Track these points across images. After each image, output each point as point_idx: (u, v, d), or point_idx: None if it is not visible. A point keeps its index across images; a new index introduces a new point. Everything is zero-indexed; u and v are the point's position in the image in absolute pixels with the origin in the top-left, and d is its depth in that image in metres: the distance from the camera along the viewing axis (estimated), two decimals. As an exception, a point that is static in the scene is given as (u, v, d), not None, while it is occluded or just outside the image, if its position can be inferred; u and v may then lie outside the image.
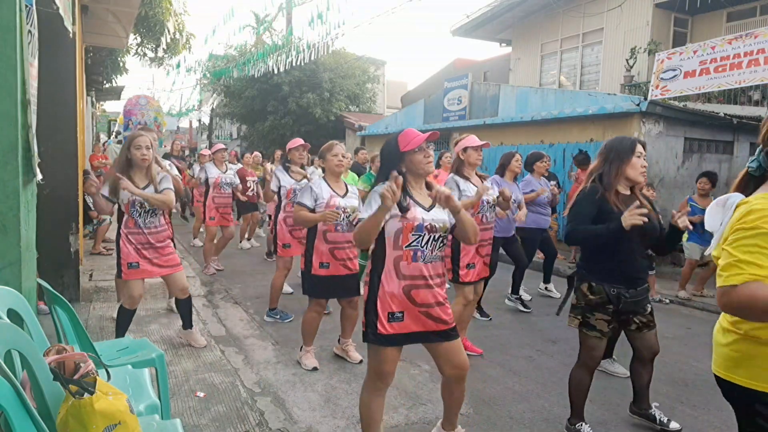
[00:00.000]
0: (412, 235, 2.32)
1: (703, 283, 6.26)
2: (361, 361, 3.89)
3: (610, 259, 2.77)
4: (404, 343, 2.41)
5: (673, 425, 3.02)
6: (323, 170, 3.93)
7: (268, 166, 5.47)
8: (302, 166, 5.08)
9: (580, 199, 2.82)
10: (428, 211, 2.38)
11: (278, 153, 9.33)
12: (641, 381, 3.09)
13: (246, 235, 9.01)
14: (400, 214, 2.32)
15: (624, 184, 2.82)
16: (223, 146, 7.33)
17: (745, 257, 1.43)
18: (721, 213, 1.60)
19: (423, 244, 2.34)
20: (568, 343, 4.57)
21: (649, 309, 2.93)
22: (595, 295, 2.80)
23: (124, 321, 3.75)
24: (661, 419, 3.06)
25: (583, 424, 2.97)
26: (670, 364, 4.15)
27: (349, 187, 3.85)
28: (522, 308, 5.53)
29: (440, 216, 2.39)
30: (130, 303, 3.72)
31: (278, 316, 4.94)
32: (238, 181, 7.21)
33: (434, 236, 2.36)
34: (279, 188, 4.94)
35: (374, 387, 2.49)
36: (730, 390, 1.63)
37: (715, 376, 1.67)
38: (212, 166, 7.07)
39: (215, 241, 6.97)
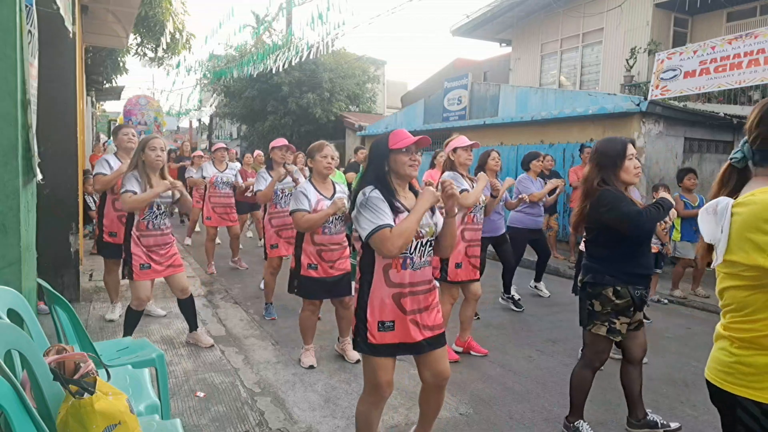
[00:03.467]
0: None
1: (697, 282, 6.26)
2: (358, 361, 3.89)
3: (635, 260, 2.77)
4: (396, 354, 2.33)
5: (674, 424, 3.01)
6: (310, 170, 3.83)
7: (291, 167, 5.25)
8: (284, 166, 4.96)
9: (616, 197, 2.72)
10: None
11: (258, 153, 9.29)
12: (634, 388, 3.00)
13: (247, 229, 9.09)
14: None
15: (621, 186, 2.82)
16: (223, 145, 7.27)
17: None
18: (714, 220, 1.49)
19: (411, 251, 2.27)
20: (568, 343, 4.57)
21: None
22: (621, 299, 2.76)
23: (131, 321, 3.83)
24: (662, 422, 3.02)
25: (582, 422, 2.96)
26: (670, 364, 4.15)
27: (337, 186, 3.77)
28: (514, 308, 5.54)
29: (426, 220, 2.31)
30: (138, 304, 3.78)
31: (265, 312, 5.01)
32: (240, 180, 7.12)
33: (422, 242, 2.30)
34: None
35: (370, 400, 2.39)
36: (716, 393, 1.57)
37: (706, 379, 1.62)
38: (209, 165, 7.00)
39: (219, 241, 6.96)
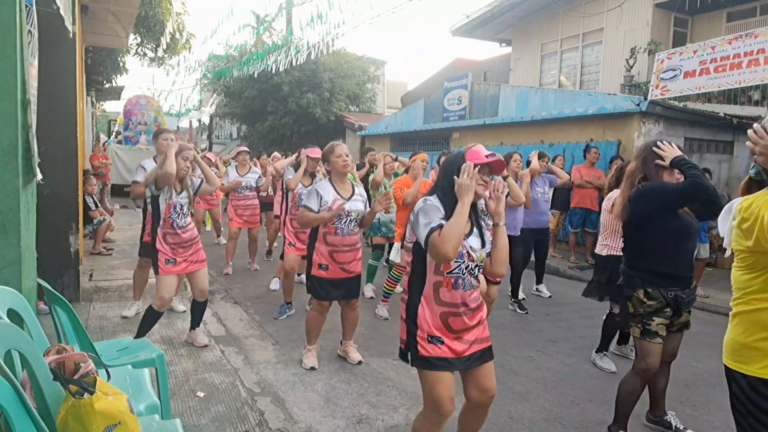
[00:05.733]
0: (455, 261, 2.22)
1: (696, 282, 6.26)
2: (359, 362, 3.89)
3: (666, 260, 2.70)
4: (450, 369, 2.25)
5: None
6: (328, 173, 3.91)
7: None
8: (312, 175, 5.10)
9: (648, 187, 2.68)
10: (466, 238, 2.27)
11: (275, 155, 9.37)
12: (657, 386, 3.02)
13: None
14: None
15: None
16: (245, 149, 7.42)
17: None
18: (728, 218, 1.72)
19: (463, 272, 2.25)
20: (568, 343, 4.57)
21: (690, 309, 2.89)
22: (652, 300, 2.72)
23: (149, 322, 3.88)
24: (677, 426, 3.01)
25: None
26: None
27: (355, 188, 3.81)
28: (518, 310, 5.54)
29: (477, 244, 2.29)
30: (160, 305, 3.82)
31: (279, 310, 5.07)
32: (262, 182, 7.23)
33: (472, 264, 2.27)
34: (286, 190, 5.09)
35: (430, 419, 2.28)
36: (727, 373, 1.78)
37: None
38: (232, 169, 7.18)
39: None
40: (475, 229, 2.33)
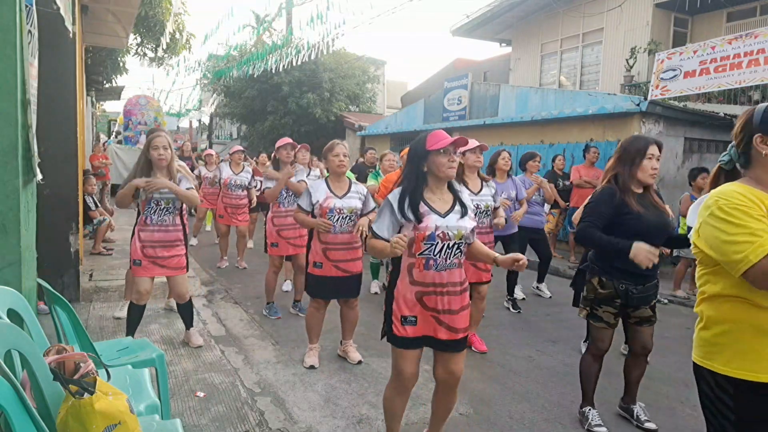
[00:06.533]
0: (424, 243, 2.29)
1: (695, 281, 6.25)
2: (360, 362, 3.89)
3: (620, 257, 2.83)
4: (420, 346, 2.43)
5: (649, 425, 3.04)
6: (327, 170, 3.94)
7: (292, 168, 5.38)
8: (292, 165, 5.07)
9: (598, 197, 2.89)
10: (443, 217, 2.33)
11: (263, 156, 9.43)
12: (630, 375, 3.16)
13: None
14: (414, 222, 2.30)
15: (636, 184, 2.87)
16: (240, 148, 7.52)
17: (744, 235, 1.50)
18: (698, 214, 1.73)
19: (435, 253, 2.30)
20: (568, 343, 4.57)
21: (652, 303, 3.00)
22: (604, 289, 2.93)
23: (133, 318, 3.86)
24: (639, 416, 3.10)
25: (591, 408, 3.07)
26: (670, 364, 4.15)
27: (353, 186, 3.81)
28: (512, 309, 5.53)
29: (455, 223, 2.33)
30: (137, 298, 3.83)
31: (267, 312, 5.06)
32: (254, 184, 7.32)
33: (448, 244, 2.30)
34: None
35: (395, 385, 2.52)
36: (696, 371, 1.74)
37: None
38: (226, 167, 7.28)
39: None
40: (456, 206, 2.40)
